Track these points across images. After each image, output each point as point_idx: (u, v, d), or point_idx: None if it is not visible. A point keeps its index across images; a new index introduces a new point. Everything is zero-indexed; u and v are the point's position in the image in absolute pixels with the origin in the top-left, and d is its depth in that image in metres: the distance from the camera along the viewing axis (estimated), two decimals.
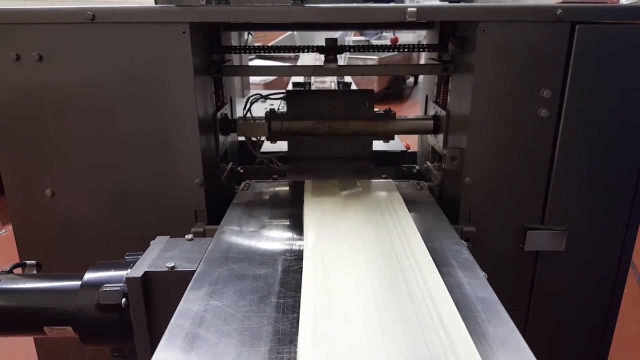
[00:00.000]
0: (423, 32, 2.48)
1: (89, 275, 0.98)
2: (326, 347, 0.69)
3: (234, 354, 0.71)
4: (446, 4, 1.27)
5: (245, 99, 1.55)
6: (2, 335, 1.01)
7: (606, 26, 1.14)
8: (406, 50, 1.53)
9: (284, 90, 1.59)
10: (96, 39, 1.16)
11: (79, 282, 0.97)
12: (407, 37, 6.72)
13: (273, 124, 1.50)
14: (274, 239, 1.11)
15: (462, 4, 1.23)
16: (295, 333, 0.74)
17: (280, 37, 6.57)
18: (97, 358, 1.16)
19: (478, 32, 1.15)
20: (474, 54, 1.18)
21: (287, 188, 1.46)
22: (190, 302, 0.83)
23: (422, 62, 2.21)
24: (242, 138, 1.68)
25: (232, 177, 1.62)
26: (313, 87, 2.78)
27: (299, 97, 1.54)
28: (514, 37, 1.16)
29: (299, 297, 0.83)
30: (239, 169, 1.70)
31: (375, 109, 1.52)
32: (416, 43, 1.48)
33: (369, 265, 0.93)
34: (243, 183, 1.47)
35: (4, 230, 3.46)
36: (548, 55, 1.17)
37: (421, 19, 1.13)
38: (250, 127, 1.52)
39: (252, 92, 3.08)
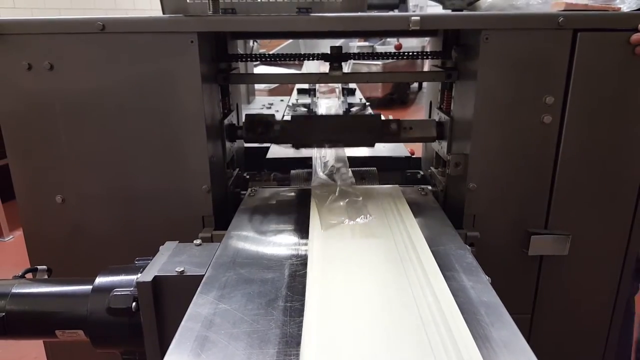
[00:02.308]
0: (427, 38, 2.49)
1: (99, 280, 1.00)
2: (330, 350, 0.70)
3: (243, 356, 0.72)
4: (449, 12, 1.28)
5: (250, 105, 1.57)
6: (16, 338, 1.03)
7: (608, 33, 1.16)
8: (410, 57, 1.55)
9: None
10: (106, 48, 1.18)
11: (90, 287, 0.99)
12: (411, 42, 6.73)
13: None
14: (280, 244, 1.12)
15: (465, 12, 1.25)
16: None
17: (285, 43, 6.58)
18: None
19: (481, 40, 1.16)
20: (477, 61, 1.20)
21: (292, 194, 1.48)
22: (200, 306, 0.84)
23: (426, 68, 2.23)
24: (248, 144, 1.70)
25: (239, 183, 1.64)
26: (317, 94, 2.81)
27: (302, 122, 1.54)
28: (516, 45, 1.17)
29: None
30: (245, 174, 1.72)
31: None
32: (420, 48, 1.50)
33: (374, 269, 0.94)
34: (250, 189, 1.49)
35: (11, 236, 3.49)
36: (550, 62, 1.18)
37: (425, 28, 1.14)
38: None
39: (257, 98, 3.12)
